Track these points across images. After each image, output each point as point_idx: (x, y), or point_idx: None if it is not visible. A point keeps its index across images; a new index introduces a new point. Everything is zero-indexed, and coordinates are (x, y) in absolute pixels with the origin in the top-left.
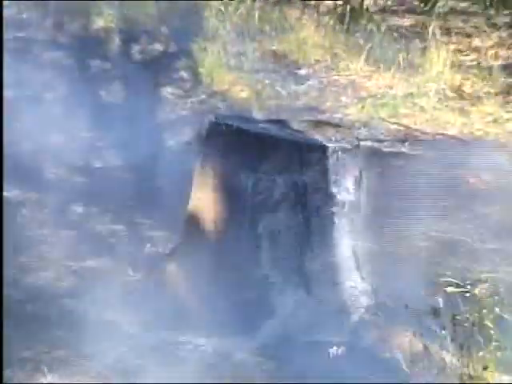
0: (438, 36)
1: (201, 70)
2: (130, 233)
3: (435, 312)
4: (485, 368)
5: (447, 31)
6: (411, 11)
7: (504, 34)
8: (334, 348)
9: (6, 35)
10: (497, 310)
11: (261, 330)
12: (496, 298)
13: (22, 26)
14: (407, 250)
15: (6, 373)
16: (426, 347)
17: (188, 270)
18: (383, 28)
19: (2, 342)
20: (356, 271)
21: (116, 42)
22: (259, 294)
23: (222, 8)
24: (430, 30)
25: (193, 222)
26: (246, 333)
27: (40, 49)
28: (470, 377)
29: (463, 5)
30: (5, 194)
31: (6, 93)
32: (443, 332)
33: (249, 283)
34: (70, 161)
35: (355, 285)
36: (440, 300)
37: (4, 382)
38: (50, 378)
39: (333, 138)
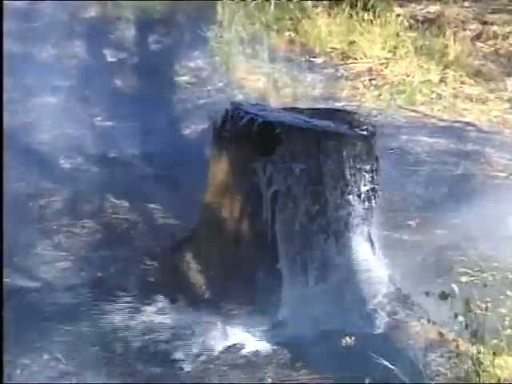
0: (456, 22)
1: (216, 58)
2: (145, 222)
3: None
4: (497, 354)
5: (465, 17)
6: None
7: None
8: (347, 338)
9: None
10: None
11: (275, 320)
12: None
13: (36, 16)
14: (423, 238)
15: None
16: (441, 334)
17: (203, 259)
18: (400, 15)
19: (2, 341)
20: (372, 259)
21: (131, 31)
22: (274, 282)
23: None
24: (448, 16)
25: (208, 210)
26: (259, 323)
27: (54, 38)
28: (481, 363)
29: None
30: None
31: (24, 82)
32: (459, 319)
33: (264, 272)
34: (85, 150)
35: (372, 273)
36: (454, 286)
37: (4, 382)
38: None
39: (349, 126)
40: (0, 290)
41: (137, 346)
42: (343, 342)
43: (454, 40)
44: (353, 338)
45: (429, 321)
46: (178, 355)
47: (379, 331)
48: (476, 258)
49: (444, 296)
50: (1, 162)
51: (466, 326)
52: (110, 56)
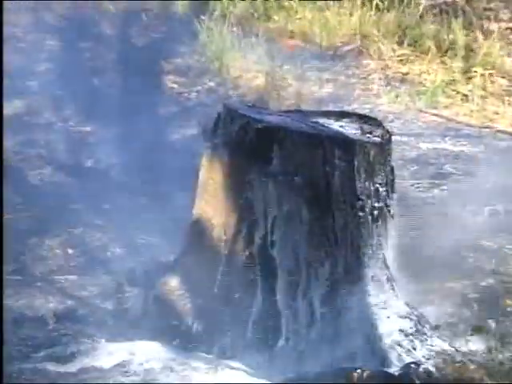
0: (485, 14)
1: (208, 54)
2: (124, 243)
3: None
4: None
5: (496, 6)
6: None
7: None
8: (358, 371)
9: None
10: None
11: (275, 357)
12: None
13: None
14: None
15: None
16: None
17: (192, 284)
18: (421, 5)
19: (2, 341)
20: (387, 288)
21: (112, 22)
22: (272, 311)
23: None
24: (476, 5)
25: (198, 228)
26: (257, 361)
27: (27, 31)
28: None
29: None
30: None
31: None
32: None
33: (261, 302)
34: (59, 159)
35: (386, 304)
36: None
37: (4, 382)
38: None
39: (361, 132)
40: (0, 290)
41: None
42: (355, 376)
43: (483, 33)
44: (366, 372)
45: (454, 357)
46: None
47: (395, 370)
48: None
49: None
50: (1, 163)
51: (501, 364)
52: (86, 50)
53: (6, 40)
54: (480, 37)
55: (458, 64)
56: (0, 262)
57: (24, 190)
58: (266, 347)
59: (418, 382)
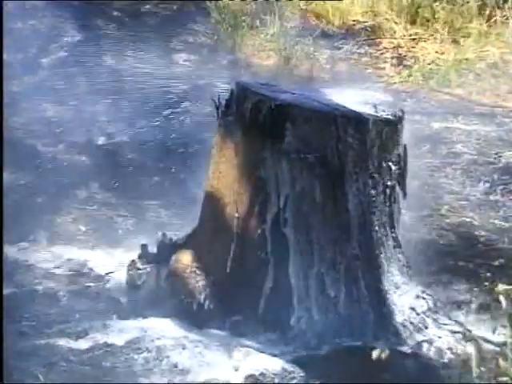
0: None
1: (220, 32)
2: (138, 220)
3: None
4: None
5: None
6: None
7: None
8: (378, 350)
9: None
10: None
11: (287, 333)
12: None
13: None
14: (459, 242)
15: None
16: (479, 349)
17: (203, 262)
18: None
19: (2, 341)
20: (399, 266)
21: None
22: (285, 292)
23: None
24: None
25: (210, 206)
26: (269, 337)
27: (38, 8)
28: None
29: None
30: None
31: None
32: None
33: (274, 278)
34: (70, 137)
35: (398, 281)
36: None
37: (4, 382)
38: None
39: (374, 110)
40: (0, 291)
41: None
42: (373, 354)
43: (497, 10)
44: (386, 351)
45: (464, 335)
46: None
47: (407, 348)
48: None
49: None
50: (1, 163)
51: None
52: (99, 27)
53: None
54: (493, 15)
55: (470, 43)
56: (0, 262)
57: (36, 168)
58: (278, 325)
59: (429, 360)
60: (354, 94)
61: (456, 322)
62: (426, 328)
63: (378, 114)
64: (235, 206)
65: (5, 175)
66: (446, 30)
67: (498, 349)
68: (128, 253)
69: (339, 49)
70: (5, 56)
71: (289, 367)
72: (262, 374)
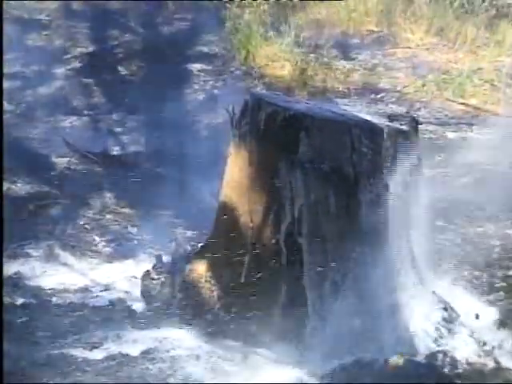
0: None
1: (234, 42)
2: (152, 230)
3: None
4: None
5: None
6: None
7: None
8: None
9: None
10: None
11: (301, 345)
12: None
13: None
14: (473, 249)
15: None
16: (496, 361)
17: (218, 272)
18: None
19: (2, 341)
20: (413, 273)
21: (138, 10)
22: (300, 302)
23: None
24: None
25: (224, 215)
26: (284, 343)
27: (53, 17)
28: None
29: None
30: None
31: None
32: None
33: (289, 288)
34: (85, 147)
35: (413, 290)
36: None
37: (4, 382)
38: None
39: (388, 120)
40: (0, 291)
41: None
42: (390, 360)
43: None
44: (402, 358)
45: (480, 346)
46: None
47: (422, 358)
48: None
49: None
50: (1, 164)
51: None
52: (112, 38)
53: None
54: (508, 26)
55: (485, 53)
56: (0, 263)
57: (51, 178)
58: (293, 335)
59: (445, 371)
60: (369, 104)
61: (472, 332)
62: (442, 338)
63: (393, 124)
64: (249, 215)
65: (19, 185)
66: (460, 39)
67: None
68: (142, 263)
69: (353, 59)
70: (18, 68)
71: (304, 377)
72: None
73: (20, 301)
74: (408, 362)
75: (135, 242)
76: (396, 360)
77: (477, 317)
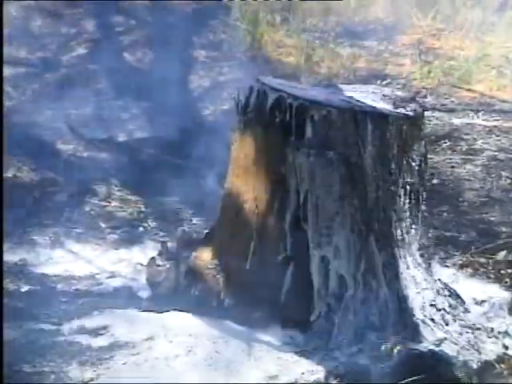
0: None
1: (240, 28)
2: (158, 216)
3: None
4: None
5: None
6: None
7: None
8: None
9: None
10: None
11: (307, 331)
12: None
13: None
14: (480, 238)
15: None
16: (505, 347)
17: (224, 258)
18: None
19: (2, 341)
20: (420, 261)
21: None
22: (304, 286)
23: None
24: None
25: (230, 203)
26: (290, 329)
27: (58, 4)
28: None
29: None
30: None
31: (19, 54)
32: None
33: (294, 274)
34: (90, 134)
35: (419, 277)
36: None
37: (4, 382)
38: None
39: (394, 106)
40: (0, 290)
41: None
42: (382, 349)
43: None
44: (398, 347)
45: (489, 332)
46: None
47: (428, 344)
48: None
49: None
50: (1, 162)
51: None
52: (118, 25)
53: None
54: None
55: (491, 39)
56: (0, 264)
57: (56, 165)
58: (299, 321)
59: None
60: (375, 91)
61: (477, 318)
62: (447, 325)
63: (398, 111)
64: (255, 202)
65: (25, 172)
66: (467, 25)
67: None
68: (148, 250)
69: (359, 45)
70: (23, 54)
71: (309, 364)
72: (280, 370)
73: (25, 288)
74: (413, 348)
75: (141, 228)
76: (389, 348)
77: (480, 303)
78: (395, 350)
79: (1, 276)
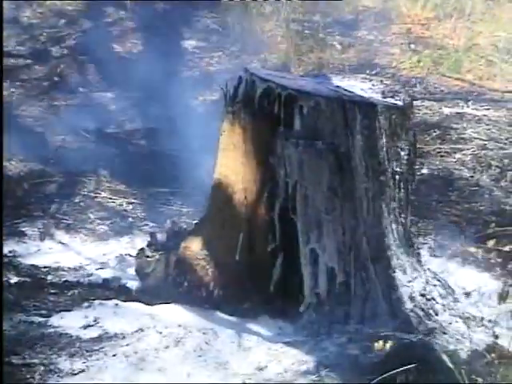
0: None
1: (229, 17)
2: (147, 207)
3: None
4: None
5: None
6: None
7: None
8: (380, 342)
9: None
10: None
11: (296, 317)
12: None
13: None
14: (469, 228)
15: None
16: (495, 337)
17: (212, 250)
18: None
19: (2, 341)
20: (409, 251)
21: None
22: (293, 276)
23: None
24: None
25: (219, 193)
26: (280, 319)
27: None
28: None
29: None
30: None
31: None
32: None
33: (283, 265)
34: (80, 125)
35: (407, 267)
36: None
37: (4, 382)
38: None
39: (382, 96)
40: (0, 290)
41: None
42: (375, 346)
43: None
44: (389, 342)
45: (479, 321)
46: None
47: (417, 334)
48: None
49: (503, 297)
50: (1, 161)
51: None
52: (107, 16)
53: None
54: (504, 1)
55: (480, 29)
56: (0, 263)
57: (46, 156)
58: (288, 311)
59: (439, 346)
60: (364, 81)
61: (467, 307)
62: (437, 314)
63: (387, 100)
64: (244, 193)
65: (14, 163)
66: (457, 14)
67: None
68: (137, 241)
69: (349, 35)
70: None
71: (299, 355)
72: (270, 361)
73: (14, 279)
74: (402, 338)
75: (130, 219)
76: (381, 345)
77: (470, 293)
78: (387, 346)
79: (1, 277)
